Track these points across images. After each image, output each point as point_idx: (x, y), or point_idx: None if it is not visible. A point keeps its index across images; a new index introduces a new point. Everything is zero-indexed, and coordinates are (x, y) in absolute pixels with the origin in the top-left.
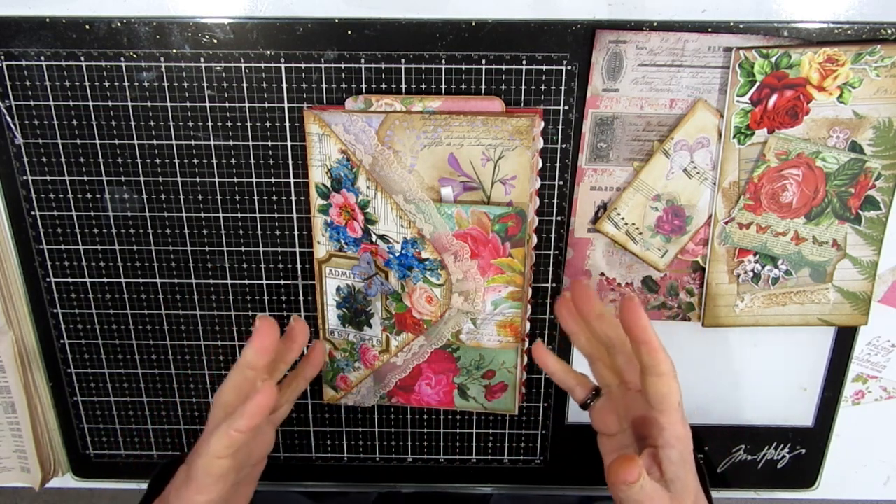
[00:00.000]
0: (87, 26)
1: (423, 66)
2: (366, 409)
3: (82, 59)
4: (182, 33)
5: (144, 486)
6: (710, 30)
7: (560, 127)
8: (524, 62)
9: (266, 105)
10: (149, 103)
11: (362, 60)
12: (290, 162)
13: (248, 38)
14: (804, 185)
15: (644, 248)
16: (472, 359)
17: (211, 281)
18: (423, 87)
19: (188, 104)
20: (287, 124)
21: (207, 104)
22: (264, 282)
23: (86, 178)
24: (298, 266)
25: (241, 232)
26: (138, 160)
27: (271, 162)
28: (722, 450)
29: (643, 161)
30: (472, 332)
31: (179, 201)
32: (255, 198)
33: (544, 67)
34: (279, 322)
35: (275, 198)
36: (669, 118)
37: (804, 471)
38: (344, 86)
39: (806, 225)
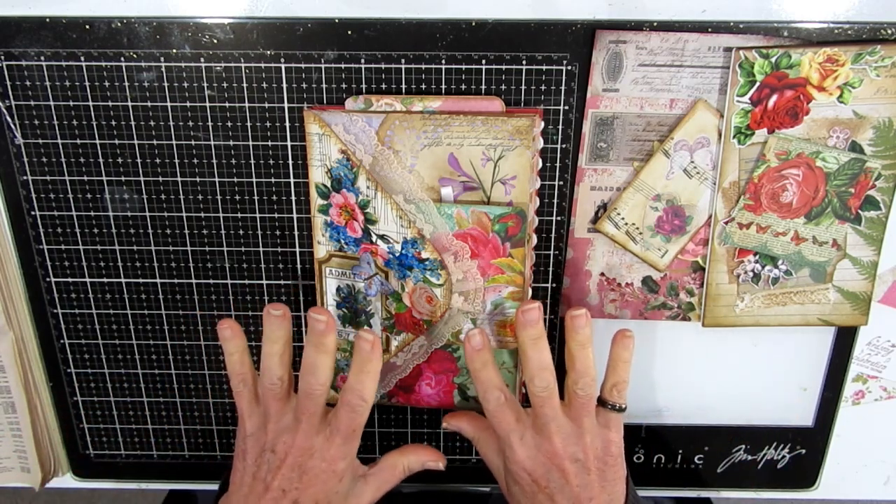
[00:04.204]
0: (87, 26)
1: (423, 66)
2: None
3: (82, 59)
4: (182, 33)
5: (144, 486)
6: (710, 30)
7: (560, 127)
8: (524, 62)
9: (266, 105)
10: (149, 103)
11: (362, 60)
12: (290, 162)
13: (248, 38)
14: (804, 185)
15: (644, 248)
16: None
17: (211, 281)
18: (423, 87)
19: (188, 104)
20: (287, 124)
21: (207, 104)
22: (264, 282)
23: (86, 178)
24: (298, 266)
25: (241, 232)
26: (138, 160)
27: (271, 162)
28: (722, 450)
29: (643, 161)
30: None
31: (179, 201)
32: (255, 198)
33: (544, 67)
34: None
35: (275, 198)
36: (669, 118)
37: (804, 471)
38: (344, 86)
39: (806, 225)
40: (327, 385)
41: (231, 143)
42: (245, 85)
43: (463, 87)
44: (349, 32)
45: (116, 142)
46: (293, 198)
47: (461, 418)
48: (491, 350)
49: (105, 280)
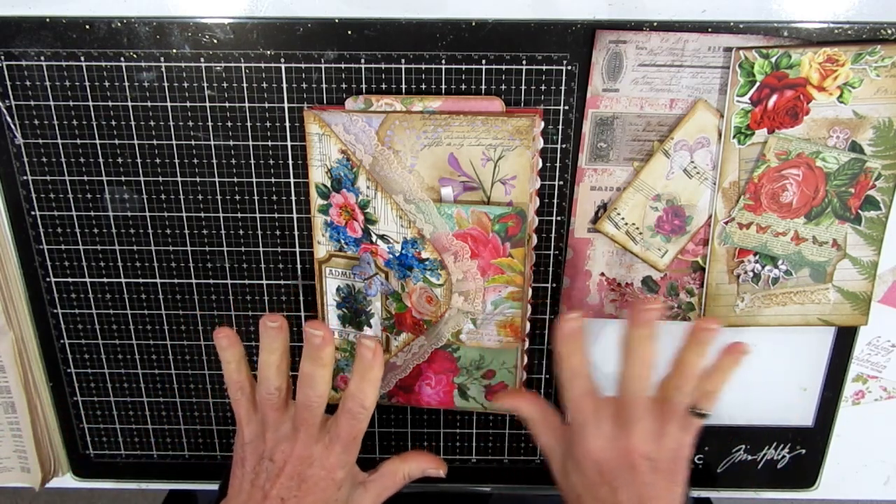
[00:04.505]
0: (87, 26)
1: (423, 66)
2: None
3: (82, 59)
4: (182, 33)
5: (144, 486)
6: (710, 30)
7: (560, 127)
8: (524, 62)
9: (266, 105)
10: (149, 103)
11: (362, 60)
12: (290, 162)
13: (248, 38)
14: (804, 185)
15: (644, 248)
16: (472, 359)
17: (211, 281)
18: (423, 87)
19: (188, 104)
20: (287, 124)
21: (207, 104)
22: (264, 282)
23: (86, 178)
24: (298, 266)
25: (241, 232)
26: (138, 160)
27: (271, 162)
28: (722, 450)
29: (643, 161)
30: (472, 332)
31: (179, 201)
32: (255, 198)
33: (544, 67)
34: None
35: (275, 198)
36: (669, 118)
37: (804, 471)
38: (344, 86)
39: (806, 225)
40: (325, 396)
41: (231, 143)
42: (245, 85)
43: (463, 87)
44: (349, 32)
45: (116, 142)
46: (293, 198)
47: (517, 397)
48: (583, 338)
49: (105, 280)
